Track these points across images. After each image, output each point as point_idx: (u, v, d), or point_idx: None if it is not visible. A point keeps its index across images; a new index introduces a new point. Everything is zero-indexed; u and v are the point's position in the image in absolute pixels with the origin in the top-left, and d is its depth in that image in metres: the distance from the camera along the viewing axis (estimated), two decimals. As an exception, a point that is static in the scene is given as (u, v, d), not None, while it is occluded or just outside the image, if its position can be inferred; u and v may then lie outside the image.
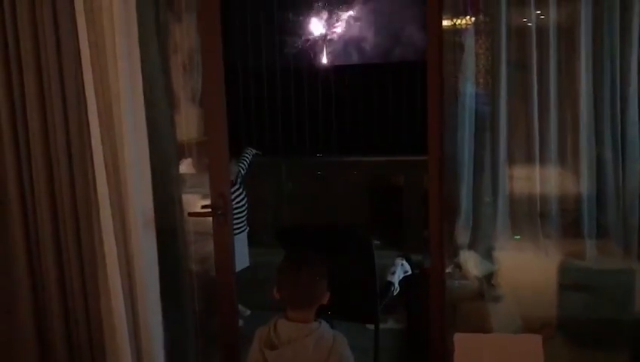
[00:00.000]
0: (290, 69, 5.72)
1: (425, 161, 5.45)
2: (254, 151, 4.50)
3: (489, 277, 3.62)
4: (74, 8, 2.31)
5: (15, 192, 2.45)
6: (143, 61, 2.42)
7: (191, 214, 2.64)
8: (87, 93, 2.36)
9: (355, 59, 5.78)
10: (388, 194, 5.51)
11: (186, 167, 2.98)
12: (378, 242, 5.18)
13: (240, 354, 2.68)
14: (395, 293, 3.47)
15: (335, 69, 5.78)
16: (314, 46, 5.79)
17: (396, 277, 3.48)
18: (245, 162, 4.37)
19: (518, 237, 3.48)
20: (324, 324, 2.19)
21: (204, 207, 2.61)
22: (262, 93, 5.77)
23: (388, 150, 5.57)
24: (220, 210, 2.56)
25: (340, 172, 5.60)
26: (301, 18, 5.77)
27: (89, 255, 2.46)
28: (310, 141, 5.74)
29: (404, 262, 3.58)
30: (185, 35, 2.78)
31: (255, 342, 2.21)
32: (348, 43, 5.79)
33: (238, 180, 4.17)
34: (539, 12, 3.17)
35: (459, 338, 2.45)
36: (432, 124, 2.56)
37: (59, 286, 2.49)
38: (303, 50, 5.80)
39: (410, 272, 3.57)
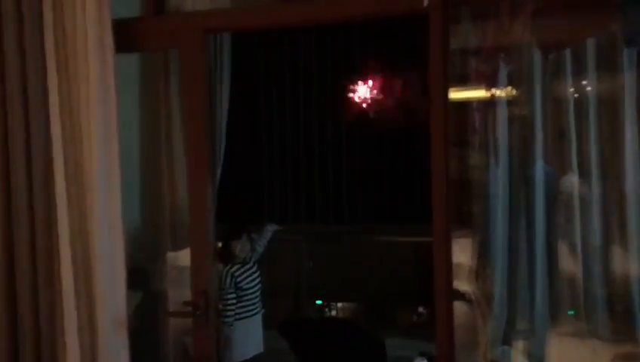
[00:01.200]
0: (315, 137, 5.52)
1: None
2: (276, 227, 4.23)
3: None
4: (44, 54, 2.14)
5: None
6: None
7: (169, 314, 2.35)
8: (55, 169, 2.16)
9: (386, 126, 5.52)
10: (425, 267, 5.07)
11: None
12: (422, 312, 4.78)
13: None
14: (412, 400, 3.05)
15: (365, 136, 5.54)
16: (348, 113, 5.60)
17: (414, 381, 3.06)
18: (266, 238, 4.12)
19: (572, 312, 3.03)
20: None
21: (185, 304, 2.33)
22: (285, 163, 5.56)
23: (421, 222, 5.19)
24: (200, 309, 2.27)
25: (370, 242, 5.24)
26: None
27: (47, 353, 2.20)
28: (335, 210, 5.46)
29: (425, 360, 3.16)
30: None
31: None
32: (377, 110, 5.54)
33: (253, 259, 3.90)
34: (578, 81, 2.89)
35: None
36: (437, 199, 2.29)
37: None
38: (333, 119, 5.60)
39: (431, 373, 3.14)
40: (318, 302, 5.17)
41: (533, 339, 3.38)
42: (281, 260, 4.95)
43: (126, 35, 2.28)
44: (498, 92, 3.09)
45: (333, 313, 5.12)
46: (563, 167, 3.12)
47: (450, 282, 2.28)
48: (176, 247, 3.03)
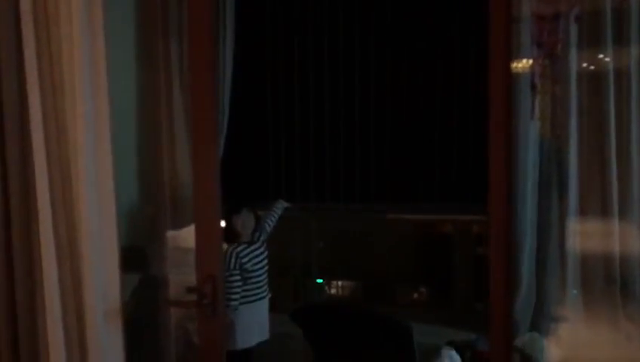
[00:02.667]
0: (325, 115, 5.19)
1: (475, 219, 4.79)
2: (286, 205, 3.91)
3: None
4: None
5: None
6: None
7: (171, 303, 2.03)
8: (35, 147, 1.80)
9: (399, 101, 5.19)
10: (433, 249, 4.85)
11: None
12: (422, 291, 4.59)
13: None
14: (440, 393, 2.79)
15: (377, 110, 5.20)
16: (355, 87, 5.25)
17: (442, 373, 2.79)
18: (275, 217, 3.79)
19: (575, 291, 2.99)
20: None
21: (189, 290, 2.01)
22: (293, 138, 5.22)
23: (432, 199, 4.91)
24: (206, 298, 1.94)
25: (379, 222, 4.96)
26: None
27: (28, 352, 1.87)
28: (345, 188, 5.14)
29: (453, 353, 2.89)
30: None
31: None
32: (392, 84, 5.19)
33: (261, 238, 3.58)
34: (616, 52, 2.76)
35: None
36: (495, 178, 1.99)
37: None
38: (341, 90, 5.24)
39: (460, 365, 2.88)
40: (319, 280, 4.93)
41: (563, 326, 3.21)
42: (289, 239, 4.67)
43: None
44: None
45: (333, 291, 4.91)
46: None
47: (507, 270, 1.96)
48: (177, 226, 2.73)
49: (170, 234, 2.58)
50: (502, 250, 2.04)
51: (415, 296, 4.76)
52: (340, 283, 4.95)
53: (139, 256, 2.40)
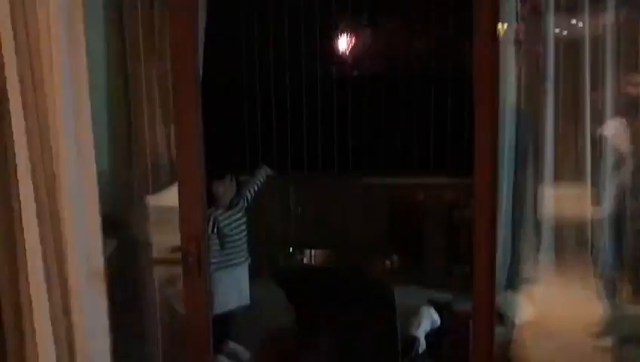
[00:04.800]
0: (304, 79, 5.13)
1: (448, 184, 4.85)
2: (269, 172, 3.88)
3: (530, 324, 3.14)
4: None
5: None
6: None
7: (155, 261, 2.03)
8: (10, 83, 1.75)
9: (378, 68, 5.16)
10: (407, 217, 4.90)
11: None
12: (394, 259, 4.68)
13: None
14: (420, 351, 2.85)
15: (356, 80, 5.18)
16: (332, 54, 5.19)
17: (422, 331, 2.87)
18: (257, 184, 3.77)
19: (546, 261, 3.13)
20: None
21: (174, 249, 2.00)
22: (270, 104, 5.16)
23: (409, 168, 4.95)
24: (191, 257, 1.93)
25: (355, 191, 4.97)
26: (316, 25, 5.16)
27: (11, 316, 1.83)
28: (323, 157, 5.13)
29: (432, 311, 2.95)
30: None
31: None
32: (372, 52, 5.15)
33: (241, 204, 3.57)
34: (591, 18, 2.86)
35: None
36: (481, 141, 1.98)
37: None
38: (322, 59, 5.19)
39: (439, 323, 2.94)
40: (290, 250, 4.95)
41: (536, 285, 3.30)
42: (268, 205, 4.64)
43: None
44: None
45: (305, 261, 4.92)
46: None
47: (491, 233, 1.96)
48: (156, 190, 2.69)
49: (151, 197, 2.55)
50: (486, 214, 2.03)
51: (392, 260, 4.81)
52: (313, 251, 4.96)
53: (120, 219, 2.36)
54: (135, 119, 2.67)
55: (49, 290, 1.82)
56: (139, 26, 2.61)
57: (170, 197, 2.27)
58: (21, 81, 1.74)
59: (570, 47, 2.97)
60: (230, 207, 3.51)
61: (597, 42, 2.87)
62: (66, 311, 1.87)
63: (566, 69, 2.98)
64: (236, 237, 3.51)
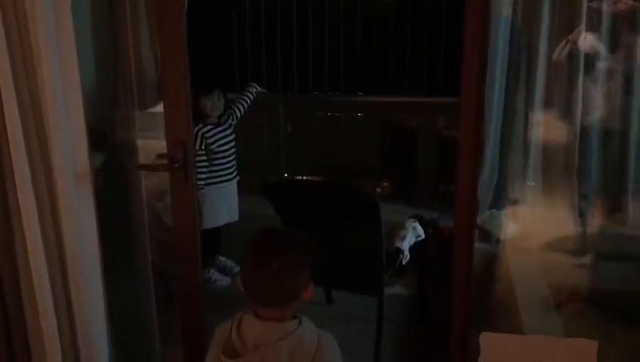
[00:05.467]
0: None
1: (440, 104, 4.84)
2: (259, 89, 3.85)
3: (512, 241, 3.26)
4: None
5: None
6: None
7: (140, 167, 2.03)
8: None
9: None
10: (398, 139, 4.90)
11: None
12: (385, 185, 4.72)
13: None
14: (404, 262, 2.92)
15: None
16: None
17: (406, 243, 2.95)
18: (246, 101, 3.74)
19: (532, 183, 3.22)
20: (306, 323, 1.60)
21: (159, 156, 2.01)
22: (259, 22, 5.03)
23: (401, 90, 4.91)
24: (177, 162, 1.95)
25: (346, 113, 4.96)
26: None
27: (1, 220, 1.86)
28: (313, 77, 5.06)
29: (417, 224, 3.03)
30: None
31: (214, 342, 1.64)
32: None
33: (230, 121, 3.56)
34: None
35: (487, 339, 1.89)
36: (468, 60, 1.91)
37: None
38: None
39: (423, 237, 3.03)
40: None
41: (520, 204, 3.36)
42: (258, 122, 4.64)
43: None
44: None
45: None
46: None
47: (476, 157, 1.98)
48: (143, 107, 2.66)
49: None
50: (471, 134, 1.99)
51: (383, 184, 4.84)
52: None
53: (106, 131, 2.35)
54: (120, 36, 2.61)
55: (36, 191, 1.83)
56: None
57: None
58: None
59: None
60: (218, 123, 3.51)
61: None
62: (55, 214, 1.89)
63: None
64: (224, 153, 3.52)
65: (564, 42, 2.99)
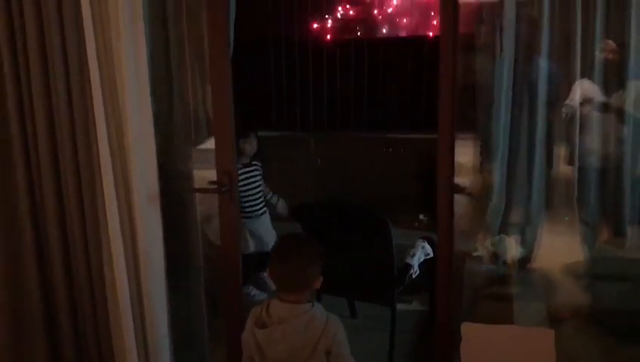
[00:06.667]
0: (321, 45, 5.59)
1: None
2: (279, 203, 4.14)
3: (519, 263, 3.53)
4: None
5: (21, 166, 2.46)
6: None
7: (196, 190, 2.60)
8: (89, 62, 2.32)
9: (388, 32, 5.59)
10: (421, 171, 5.27)
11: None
12: (424, 218, 5.01)
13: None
14: (414, 276, 3.36)
15: (368, 44, 5.61)
16: (346, 20, 5.64)
17: (416, 260, 3.36)
18: (267, 193, 4.08)
19: (567, 218, 3.38)
20: (318, 306, 2.15)
21: (210, 183, 2.58)
22: (293, 68, 5.64)
23: (424, 126, 5.35)
24: (225, 186, 2.51)
25: (372, 148, 5.41)
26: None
27: (93, 230, 2.46)
28: (341, 117, 5.61)
29: (426, 244, 3.45)
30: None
31: (249, 320, 2.19)
32: (381, 17, 5.58)
33: (258, 165, 3.96)
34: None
35: (467, 329, 2.35)
36: (444, 96, 2.38)
37: (63, 262, 2.51)
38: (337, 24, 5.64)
39: (431, 255, 3.44)
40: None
41: (527, 230, 3.57)
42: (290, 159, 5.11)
43: None
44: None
45: None
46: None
47: (451, 175, 2.42)
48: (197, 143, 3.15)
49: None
50: (447, 158, 2.41)
51: (416, 224, 5.03)
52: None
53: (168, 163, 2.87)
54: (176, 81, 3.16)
55: (119, 207, 2.43)
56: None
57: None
58: (98, 58, 2.31)
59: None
60: (249, 164, 3.83)
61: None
62: (132, 226, 2.47)
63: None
64: (250, 192, 3.82)
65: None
